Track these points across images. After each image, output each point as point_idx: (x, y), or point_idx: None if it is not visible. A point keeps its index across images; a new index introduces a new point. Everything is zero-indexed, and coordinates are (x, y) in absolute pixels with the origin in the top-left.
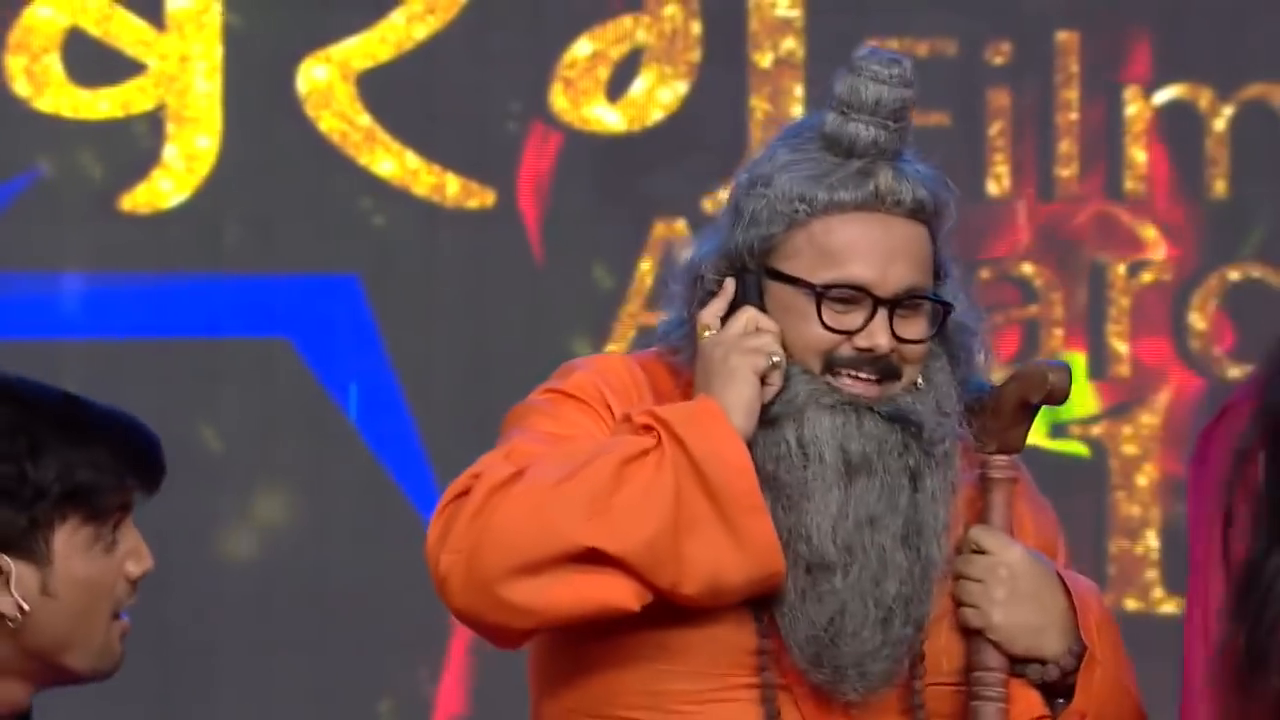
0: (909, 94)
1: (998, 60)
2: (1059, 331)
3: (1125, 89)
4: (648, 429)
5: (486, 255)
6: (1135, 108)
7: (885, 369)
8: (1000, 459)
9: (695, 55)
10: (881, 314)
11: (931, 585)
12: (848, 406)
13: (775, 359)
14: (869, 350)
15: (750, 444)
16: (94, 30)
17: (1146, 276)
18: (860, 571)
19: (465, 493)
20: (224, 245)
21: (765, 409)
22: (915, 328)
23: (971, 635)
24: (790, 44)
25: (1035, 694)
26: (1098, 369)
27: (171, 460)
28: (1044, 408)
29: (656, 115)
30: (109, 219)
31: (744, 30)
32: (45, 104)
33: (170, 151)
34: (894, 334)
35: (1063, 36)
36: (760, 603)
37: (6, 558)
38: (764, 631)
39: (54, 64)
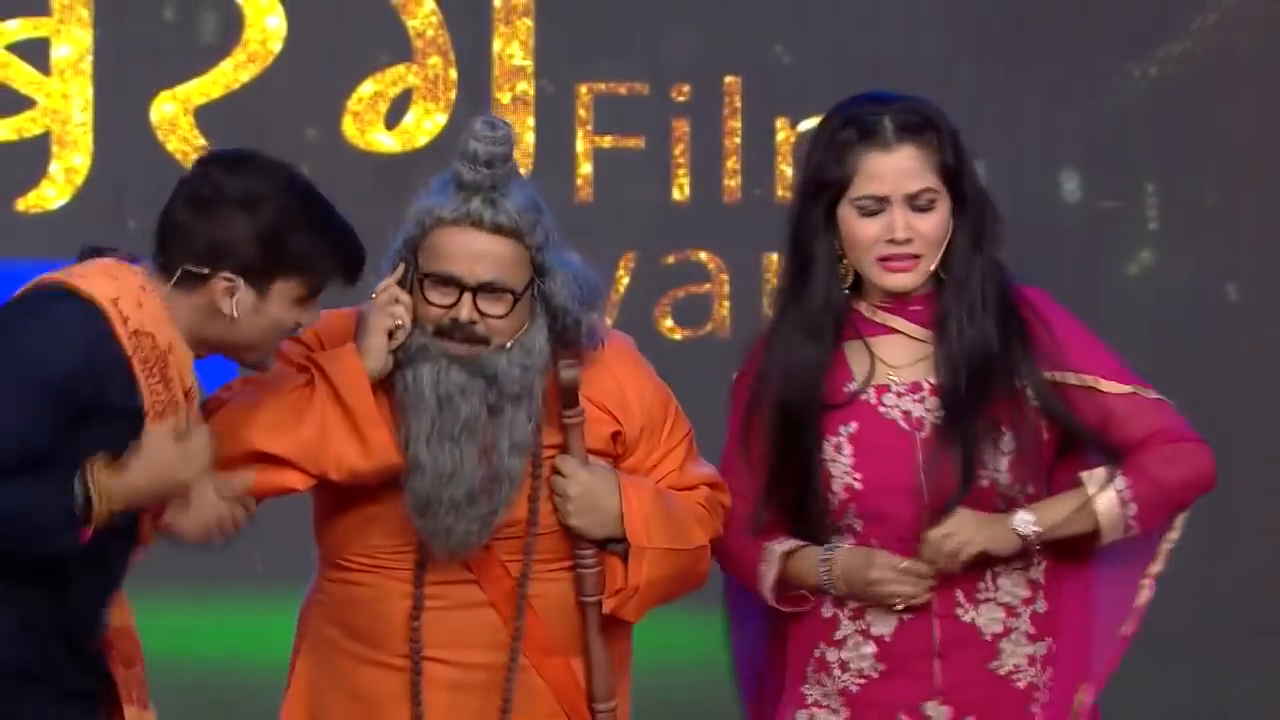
0: (504, 149)
1: (680, 98)
2: (727, 304)
3: (776, 119)
4: (303, 369)
5: None
6: (784, 134)
7: (471, 336)
8: (569, 412)
9: (452, 94)
10: (467, 296)
11: (507, 485)
12: (442, 359)
13: (399, 322)
14: (458, 321)
15: (389, 379)
16: None
17: None
18: (434, 474)
19: None
20: (95, 239)
21: (397, 356)
22: (497, 308)
23: (568, 529)
24: (523, 85)
25: (619, 562)
26: None
27: None
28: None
29: (422, 140)
30: (6, 218)
31: (489, 75)
32: None
33: (54, 167)
34: (480, 311)
35: (728, 80)
36: None
37: (240, 279)
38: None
39: None
